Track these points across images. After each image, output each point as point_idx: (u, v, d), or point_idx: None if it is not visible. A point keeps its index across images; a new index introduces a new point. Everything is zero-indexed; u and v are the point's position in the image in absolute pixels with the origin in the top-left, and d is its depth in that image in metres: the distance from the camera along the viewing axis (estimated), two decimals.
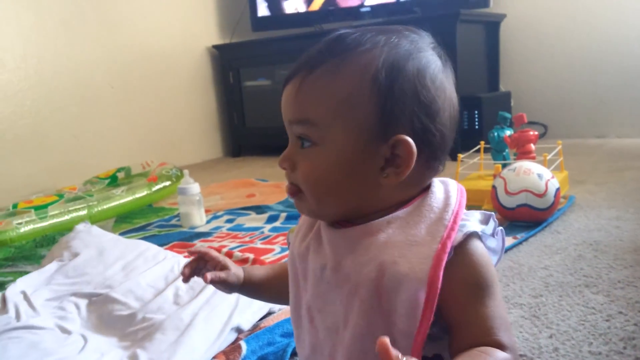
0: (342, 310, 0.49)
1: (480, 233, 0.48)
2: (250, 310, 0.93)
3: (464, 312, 0.45)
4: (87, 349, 0.86)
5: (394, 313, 0.46)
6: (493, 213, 0.50)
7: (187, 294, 0.98)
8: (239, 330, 0.90)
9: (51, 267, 1.13)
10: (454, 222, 0.47)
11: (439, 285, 0.44)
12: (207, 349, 0.83)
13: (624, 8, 2.51)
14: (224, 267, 0.62)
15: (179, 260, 1.12)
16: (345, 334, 0.48)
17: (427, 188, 0.50)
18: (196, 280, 1.03)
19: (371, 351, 0.44)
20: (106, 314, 0.97)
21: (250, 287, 0.63)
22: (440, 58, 0.51)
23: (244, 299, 0.94)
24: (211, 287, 0.98)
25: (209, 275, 0.60)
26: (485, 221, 0.49)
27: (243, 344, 0.84)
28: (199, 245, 1.43)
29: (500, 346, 0.44)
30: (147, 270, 1.07)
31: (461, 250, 0.46)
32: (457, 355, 0.44)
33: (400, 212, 0.48)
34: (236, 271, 0.63)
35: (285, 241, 1.36)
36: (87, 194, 1.82)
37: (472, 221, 0.48)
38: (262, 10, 3.02)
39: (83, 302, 1.01)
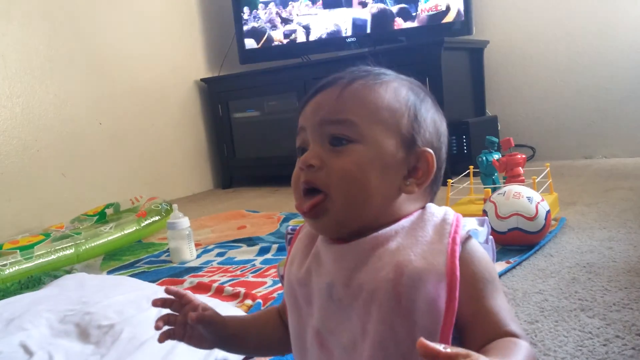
0: (358, 324, 0.48)
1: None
2: None
3: (477, 305, 0.47)
4: None
5: (414, 311, 0.46)
6: (487, 218, 0.54)
7: None
8: None
9: (23, 296, 1.09)
10: (458, 220, 0.50)
11: (458, 276, 0.46)
12: None
13: (606, 33, 2.56)
14: (205, 309, 0.59)
15: (164, 289, 1.09)
16: (365, 346, 0.47)
17: (420, 208, 0.54)
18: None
19: (393, 356, 0.46)
20: (84, 322, 0.92)
21: (232, 332, 0.60)
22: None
23: None
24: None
25: (194, 313, 0.57)
26: (481, 224, 0.53)
27: None
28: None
29: (515, 336, 0.45)
30: (127, 293, 1.03)
31: (467, 246, 0.48)
32: (483, 349, 0.44)
33: (404, 222, 0.51)
34: (218, 314, 0.60)
35: (276, 274, 1.34)
36: (74, 232, 1.80)
37: (470, 223, 0.52)
38: (250, 43, 3.06)
39: (56, 316, 0.96)
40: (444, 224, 0.49)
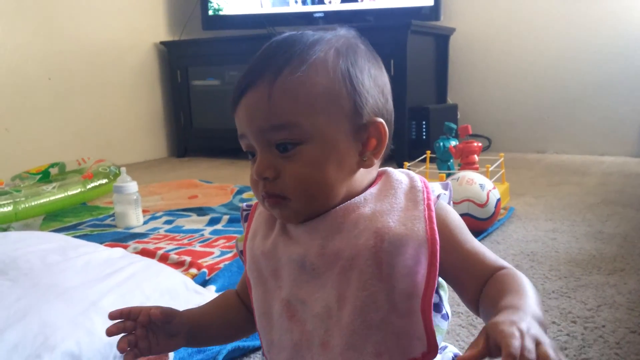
0: (333, 292, 0.47)
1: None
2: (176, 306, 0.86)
3: (462, 251, 0.48)
4: None
5: (394, 276, 0.46)
6: (450, 182, 0.54)
7: (99, 268, 0.88)
8: None
9: None
10: (426, 186, 0.50)
11: (438, 242, 0.46)
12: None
13: (568, 31, 2.61)
14: (158, 308, 0.56)
15: (96, 244, 1.03)
16: (343, 313, 0.47)
17: (380, 174, 0.53)
18: (111, 259, 0.93)
19: (374, 323, 0.46)
20: (2, 265, 0.85)
21: (194, 322, 0.58)
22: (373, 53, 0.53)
23: (161, 290, 0.83)
24: (127, 271, 0.89)
25: (155, 311, 0.54)
26: (445, 188, 0.53)
27: None
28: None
29: (504, 269, 0.48)
30: (53, 243, 0.96)
31: (438, 205, 0.50)
32: (489, 283, 0.46)
33: (371, 190, 0.50)
34: (175, 309, 0.58)
35: (235, 250, 1.31)
36: (14, 189, 1.71)
37: (436, 187, 0.52)
38: (214, 8, 2.96)
39: None
40: (415, 191, 0.50)
